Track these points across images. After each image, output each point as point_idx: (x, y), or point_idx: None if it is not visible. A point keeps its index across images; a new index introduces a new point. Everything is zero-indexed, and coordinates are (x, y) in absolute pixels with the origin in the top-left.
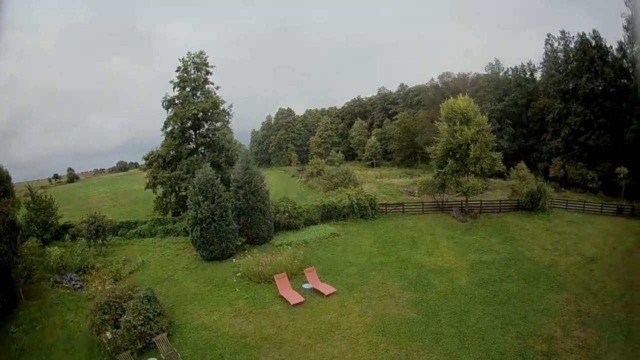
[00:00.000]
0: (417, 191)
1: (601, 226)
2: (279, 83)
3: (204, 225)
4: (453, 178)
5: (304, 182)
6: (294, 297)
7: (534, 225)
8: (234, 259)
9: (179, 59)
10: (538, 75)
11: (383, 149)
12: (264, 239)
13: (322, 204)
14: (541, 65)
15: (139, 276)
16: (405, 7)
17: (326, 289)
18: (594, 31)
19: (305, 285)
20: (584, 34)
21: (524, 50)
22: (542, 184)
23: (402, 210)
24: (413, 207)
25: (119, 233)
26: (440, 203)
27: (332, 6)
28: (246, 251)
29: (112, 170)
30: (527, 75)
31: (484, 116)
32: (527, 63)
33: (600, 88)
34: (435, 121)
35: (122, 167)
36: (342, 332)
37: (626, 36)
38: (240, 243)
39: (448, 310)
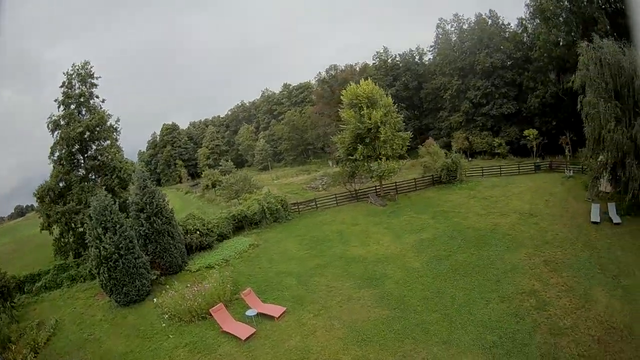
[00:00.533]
0: (321, 185)
1: (525, 184)
2: (162, 99)
3: (110, 263)
4: (365, 164)
5: (201, 197)
6: (242, 330)
7: (457, 195)
8: (154, 299)
9: (63, 73)
10: (428, 58)
11: (273, 150)
12: (179, 266)
13: (232, 214)
14: (431, 49)
15: (57, 342)
16: (287, 9)
17: (274, 310)
18: (490, 11)
19: (249, 312)
20: (480, 14)
21: (416, 38)
22: (457, 156)
23: (315, 206)
24: (326, 200)
25: (25, 289)
26: (354, 192)
27: (211, 14)
28: (164, 285)
29: (11, 217)
30: (417, 60)
31: (389, 97)
32: (416, 48)
33: (500, 61)
34: (339, 109)
35: (20, 212)
36: (317, 357)
37: (528, 12)
38: (154, 277)
39: (418, 296)
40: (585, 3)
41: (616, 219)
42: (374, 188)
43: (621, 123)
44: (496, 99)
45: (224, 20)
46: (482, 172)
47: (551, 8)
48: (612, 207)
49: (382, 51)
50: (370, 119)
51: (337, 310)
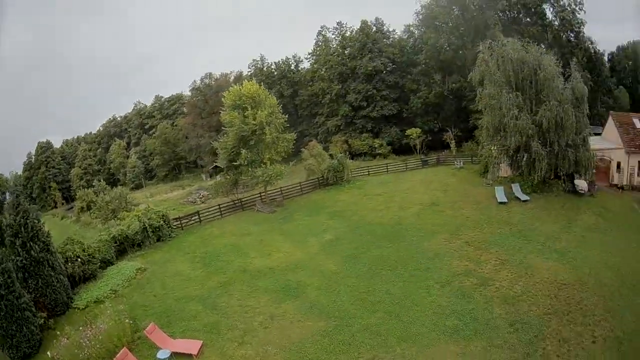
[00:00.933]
0: (199, 198)
1: (416, 178)
2: (37, 115)
3: None
4: (249, 169)
5: (76, 221)
6: None
7: (348, 195)
8: (48, 352)
9: None
10: (304, 66)
11: (145, 167)
12: (65, 304)
13: (112, 235)
14: (309, 56)
15: None
16: (168, 18)
17: (189, 345)
18: (376, 19)
19: (161, 354)
20: (366, 21)
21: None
22: (342, 156)
23: (198, 219)
24: (209, 213)
25: None
26: (238, 201)
27: (90, 24)
28: (54, 330)
29: None
30: (292, 67)
31: (274, 98)
32: (293, 56)
33: (383, 65)
34: (220, 111)
35: None
36: None
37: (417, 19)
38: (42, 320)
39: (349, 299)
40: (477, 13)
41: (524, 197)
42: (258, 195)
43: (523, 111)
44: (377, 101)
45: (103, 28)
46: (369, 171)
47: (441, 16)
48: (516, 187)
49: (258, 59)
50: (255, 119)
51: (263, 332)
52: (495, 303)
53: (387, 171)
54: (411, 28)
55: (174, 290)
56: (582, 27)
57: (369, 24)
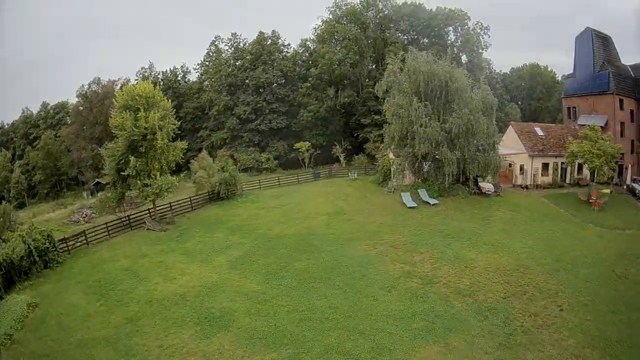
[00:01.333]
0: (82, 218)
1: (312, 190)
2: None
3: None
4: (138, 181)
5: None
6: None
7: (244, 209)
8: None
9: None
10: (191, 78)
11: (28, 183)
12: None
13: None
14: (198, 67)
15: None
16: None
17: None
18: (273, 31)
19: None
20: (262, 32)
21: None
22: (234, 168)
23: (85, 241)
24: (96, 234)
25: None
26: (126, 219)
27: None
28: None
29: None
30: (179, 78)
31: (168, 101)
32: (181, 66)
33: (275, 78)
34: (105, 121)
35: None
36: None
37: (315, 35)
38: None
39: (292, 321)
40: (377, 32)
41: (433, 201)
42: (147, 212)
43: (433, 119)
44: (266, 114)
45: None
46: (260, 185)
47: (341, 32)
48: (423, 192)
49: (146, 67)
50: (147, 121)
51: None
52: (452, 298)
53: (279, 184)
54: (307, 42)
55: (74, 331)
56: (485, 49)
57: (266, 35)
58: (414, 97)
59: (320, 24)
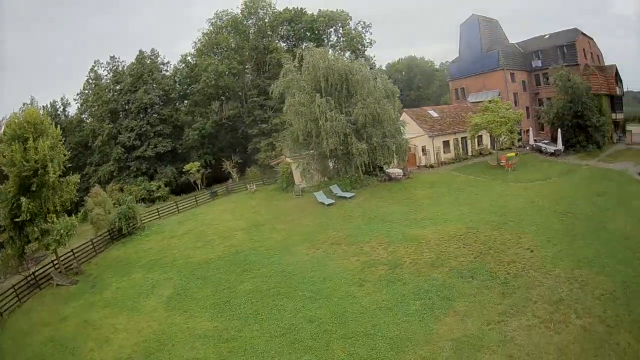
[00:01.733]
0: None
1: (214, 210)
2: None
3: None
4: (35, 229)
5: None
6: None
7: (152, 242)
8: None
9: None
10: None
11: None
12: None
13: None
14: (77, 97)
15: None
16: None
17: None
18: (152, 50)
19: None
20: (142, 51)
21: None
22: (131, 199)
23: None
24: (3, 303)
25: None
26: (32, 277)
27: None
28: None
29: None
30: (59, 112)
31: (58, 129)
32: (60, 98)
33: (158, 97)
34: None
35: None
36: None
37: (195, 48)
38: None
39: (277, 348)
40: (257, 39)
41: (349, 194)
42: (51, 265)
43: (338, 113)
44: (151, 138)
45: None
46: (159, 214)
47: (222, 42)
48: (336, 188)
49: (28, 103)
50: (36, 153)
51: None
52: (428, 272)
53: (179, 210)
54: (188, 57)
55: None
56: (369, 47)
57: (145, 54)
58: (315, 93)
59: (201, 37)
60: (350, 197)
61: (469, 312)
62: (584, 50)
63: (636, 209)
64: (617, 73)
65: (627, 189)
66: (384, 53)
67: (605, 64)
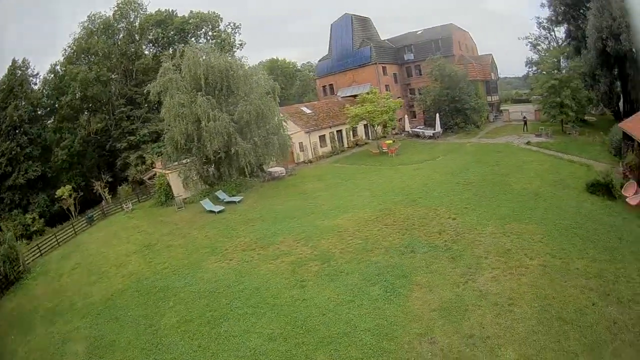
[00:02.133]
0: None
1: (94, 237)
2: None
3: None
4: None
5: None
6: None
7: (41, 286)
8: None
9: None
10: None
11: None
12: None
13: None
14: None
15: None
16: None
17: None
18: (23, 60)
19: None
20: (16, 59)
21: None
22: (11, 236)
23: None
24: None
25: None
26: None
27: None
28: None
29: None
30: None
31: None
32: None
33: (27, 113)
34: None
35: None
36: None
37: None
38: None
39: None
40: (126, 43)
41: (237, 198)
42: None
43: (220, 112)
44: (22, 162)
45: None
46: (40, 251)
47: (93, 47)
48: (221, 194)
49: None
50: None
51: None
52: (366, 258)
53: (59, 243)
54: (57, 67)
55: None
56: (240, 48)
57: (17, 65)
58: (196, 92)
59: (71, 42)
60: (239, 201)
61: (432, 283)
62: (459, 42)
63: (534, 170)
64: (492, 61)
65: (518, 157)
66: (250, 55)
67: (481, 54)
